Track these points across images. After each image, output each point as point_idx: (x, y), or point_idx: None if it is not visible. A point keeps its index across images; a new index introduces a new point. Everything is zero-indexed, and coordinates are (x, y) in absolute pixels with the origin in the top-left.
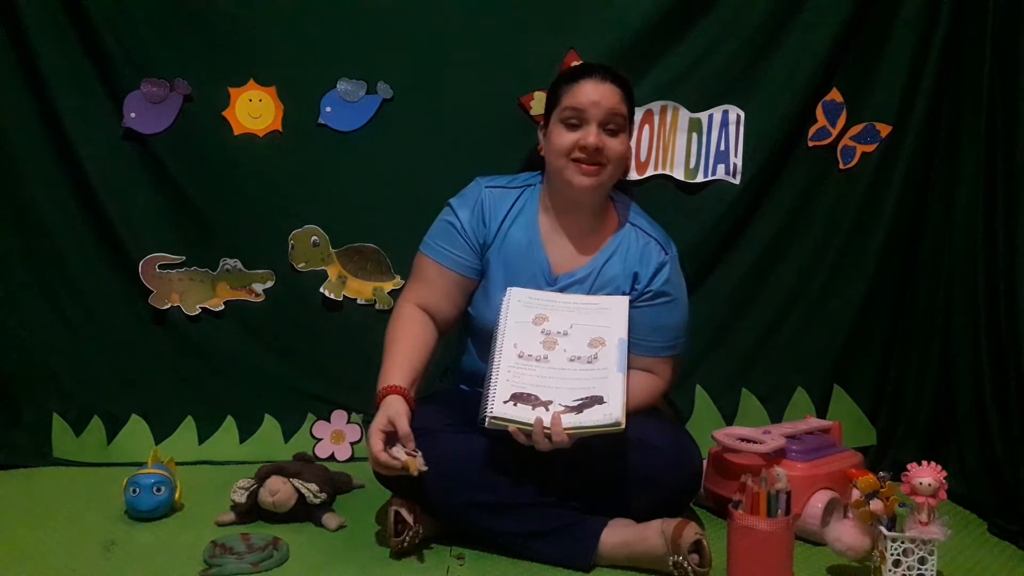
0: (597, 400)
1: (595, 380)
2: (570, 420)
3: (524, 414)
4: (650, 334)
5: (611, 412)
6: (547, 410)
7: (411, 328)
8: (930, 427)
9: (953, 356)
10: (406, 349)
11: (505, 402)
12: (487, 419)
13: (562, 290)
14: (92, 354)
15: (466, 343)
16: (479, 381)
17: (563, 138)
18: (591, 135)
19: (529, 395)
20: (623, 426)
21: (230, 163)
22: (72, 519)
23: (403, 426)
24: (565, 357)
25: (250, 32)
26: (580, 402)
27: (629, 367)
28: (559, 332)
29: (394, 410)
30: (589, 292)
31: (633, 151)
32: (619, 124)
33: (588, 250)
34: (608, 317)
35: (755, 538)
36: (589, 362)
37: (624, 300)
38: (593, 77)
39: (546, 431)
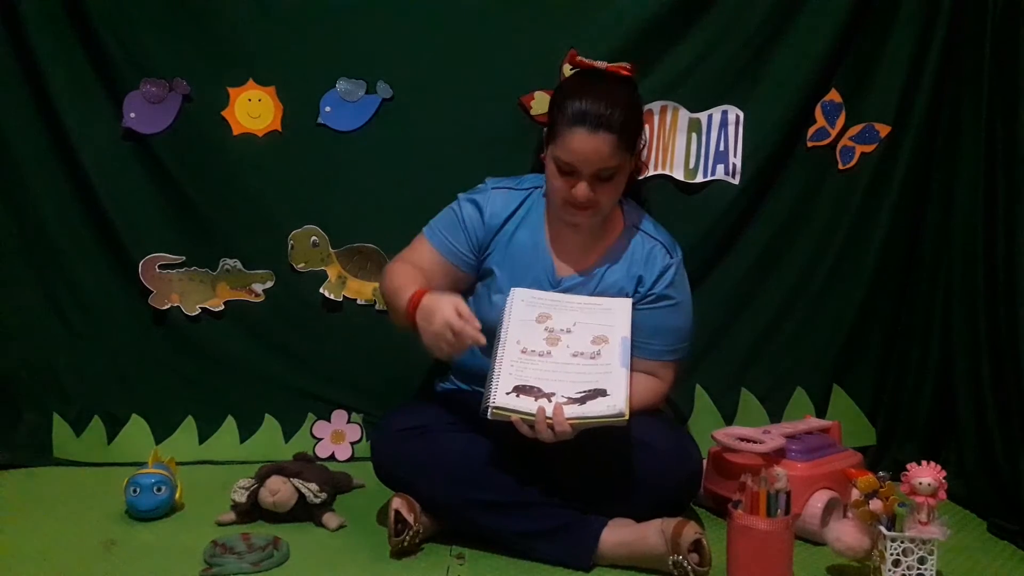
0: (600, 393)
1: (598, 375)
2: (573, 411)
3: (526, 405)
4: (652, 337)
5: (615, 404)
6: (549, 401)
7: (409, 269)
8: (929, 427)
9: (952, 355)
10: (413, 275)
11: (507, 393)
12: (489, 409)
13: (565, 292)
14: (92, 354)
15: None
16: (480, 380)
17: (556, 181)
18: (580, 190)
19: (532, 387)
20: (627, 417)
21: (229, 163)
22: (72, 519)
23: (464, 307)
24: (568, 352)
25: (249, 32)
26: (583, 394)
27: (633, 369)
28: (562, 330)
29: (446, 297)
30: (592, 294)
31: (644, 158)
32: (612, 170)
33: (593, 253)
34: (611, 317)
35: (755, 538)
36: (592, 358)
37: (627, 302)
38: (586, 126)
39: (549, 421)
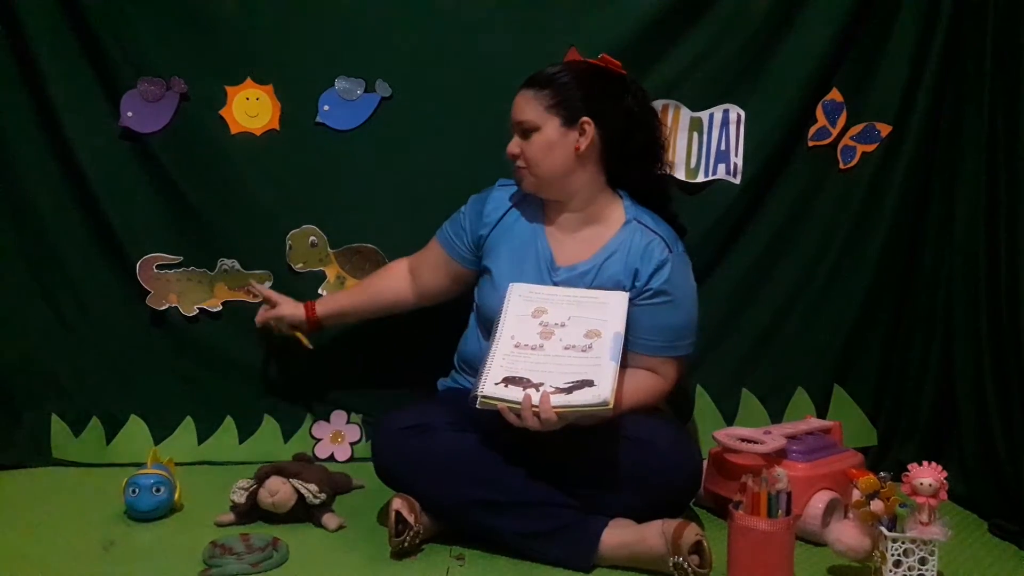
0: (587, 383)
1: (587, 367)
2: (559, 399)
3: (514, 394)
4: (651, 333)
5: (600, 393)
6: (537, 391)
7: (376, 276)
8: (931, 427)
9: (954, 356)
10: (354, 292)
11: (496, 383)
12: (477, 399)
13: (564, 282)
14: (91, 355)
15: (474, 333)
16: None
17: None
18: (509, 145)
19: (521, 378)
20: (611, 406)
21: (227, 162)
22: (71, 520)
23: (277, 296)
24: (560, 345)
25: (247, 30)
26: (571, 384)
27: (632, 365)
28: (557, 324)
29: (291, 303)
30: (590, 287)
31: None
32: (530, 126)
33: (591, 246)
34: (606, 311)
35: (755, 539)
36: (583, 351)
37: (623, 296)
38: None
39: (535, 409)
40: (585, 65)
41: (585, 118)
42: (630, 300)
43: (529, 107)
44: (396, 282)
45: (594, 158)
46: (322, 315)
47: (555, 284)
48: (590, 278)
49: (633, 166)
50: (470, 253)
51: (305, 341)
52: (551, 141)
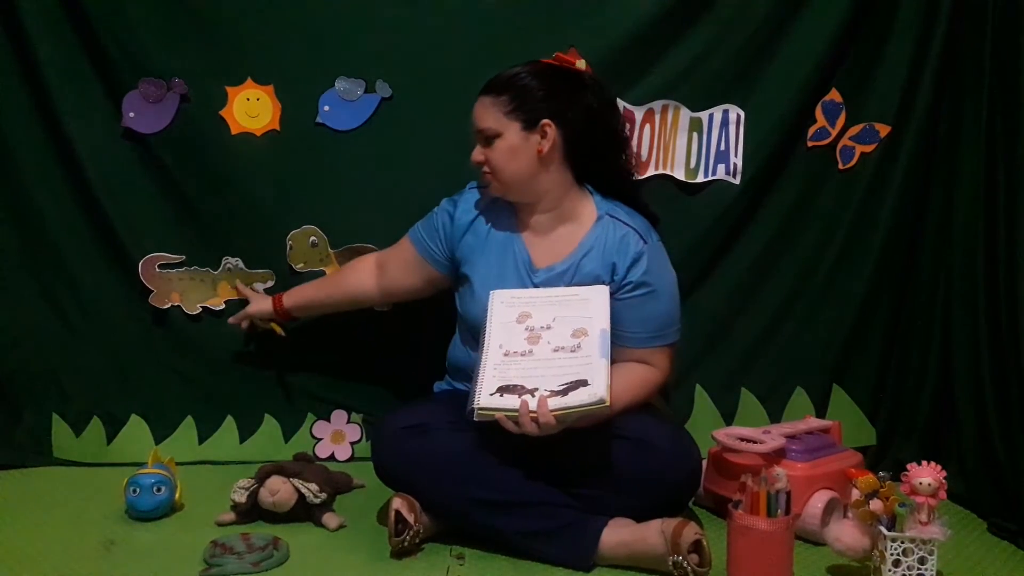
0: (582, 383)
1: (579, 366)
2: (556, 403)
3: (510, 403)
4: (638, 326)
5: (595, 391)
6: (533, 397)
7: (344, 268)
8: (930, 427)
9: (953, 356)
10: (320, 283)
11: (491, 394)
12: (474, 411)
13: (543, 283)
14: (92, 354)
15: (460, 340)
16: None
17: None
18: (473, 153)
19: (515, 386)
20: (608, 403)
21: (228, 162)
22: (72, 519)
23: (248, 292)
24: (549, 348)
25: (248, 31)
26: (565, 386)
27: (623, 359)
28: (542, 327)
29: (260, 298)
30: (570, 285)
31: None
32: (491, 133)
33: (567, 245)
34: (589, 307)
35: (755, 538)
36: (572, 351)
37: (604, 290)
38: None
39: (532, 415)
40: (540, 66)
41: (545, 120)
42: (611, 294)
43: (488, 114)
44: (360, 275)
45: (558, 158)
46: (290, 306)
47: (535, 286)
48: (569, 277)
49: (598, 161)
50: (444, 257)
51: (279, 330)
52: (513, 146)
